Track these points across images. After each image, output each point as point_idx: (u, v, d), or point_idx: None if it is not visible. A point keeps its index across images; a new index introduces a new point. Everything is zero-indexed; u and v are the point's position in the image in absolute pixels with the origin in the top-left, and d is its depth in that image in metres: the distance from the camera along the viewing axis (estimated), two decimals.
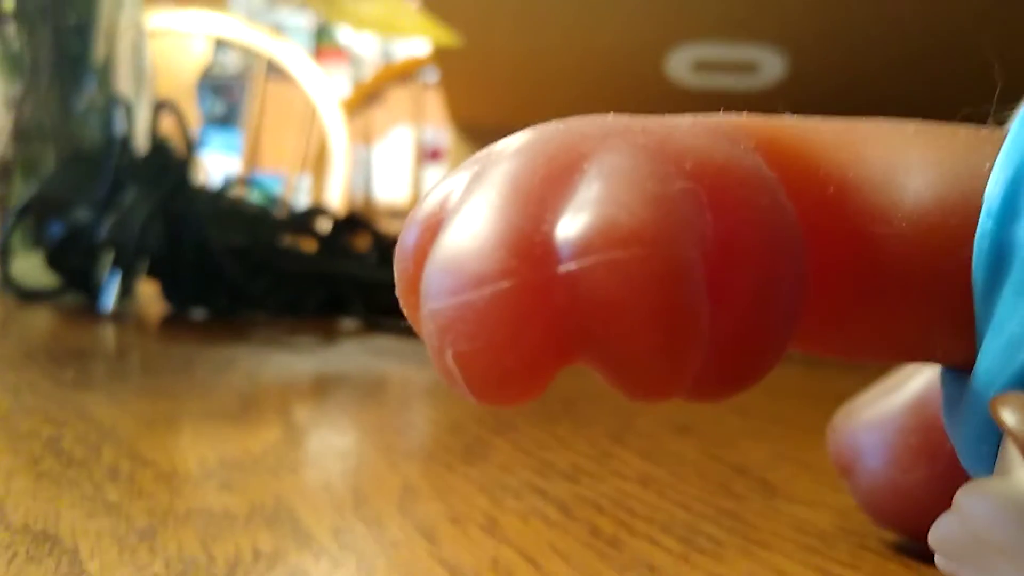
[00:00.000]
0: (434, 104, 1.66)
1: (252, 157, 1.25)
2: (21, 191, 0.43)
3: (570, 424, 0.27)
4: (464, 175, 0.11)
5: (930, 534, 0.11)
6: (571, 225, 0.10)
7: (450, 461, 0.22)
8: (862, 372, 0.19)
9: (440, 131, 2.50)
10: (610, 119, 0.11)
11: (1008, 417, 0.09)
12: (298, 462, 0.22)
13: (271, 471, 0.21)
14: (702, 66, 0.59)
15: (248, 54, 1.29)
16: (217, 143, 2.92)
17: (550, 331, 0.10)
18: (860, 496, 0.17)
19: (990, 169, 0.11)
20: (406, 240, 0.11)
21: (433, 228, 0.11)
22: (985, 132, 0.12)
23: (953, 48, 0.56)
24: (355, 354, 0.39)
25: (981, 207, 0.11)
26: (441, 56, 0.64)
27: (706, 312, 0.10)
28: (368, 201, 1.29)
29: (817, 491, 0.21)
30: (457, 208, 0.10)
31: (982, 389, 0.11)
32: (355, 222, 0.51)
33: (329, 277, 0.46)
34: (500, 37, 0.60)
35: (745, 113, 0.13)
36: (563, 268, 0.10)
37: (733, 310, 0.11)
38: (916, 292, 0.12)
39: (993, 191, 0.11)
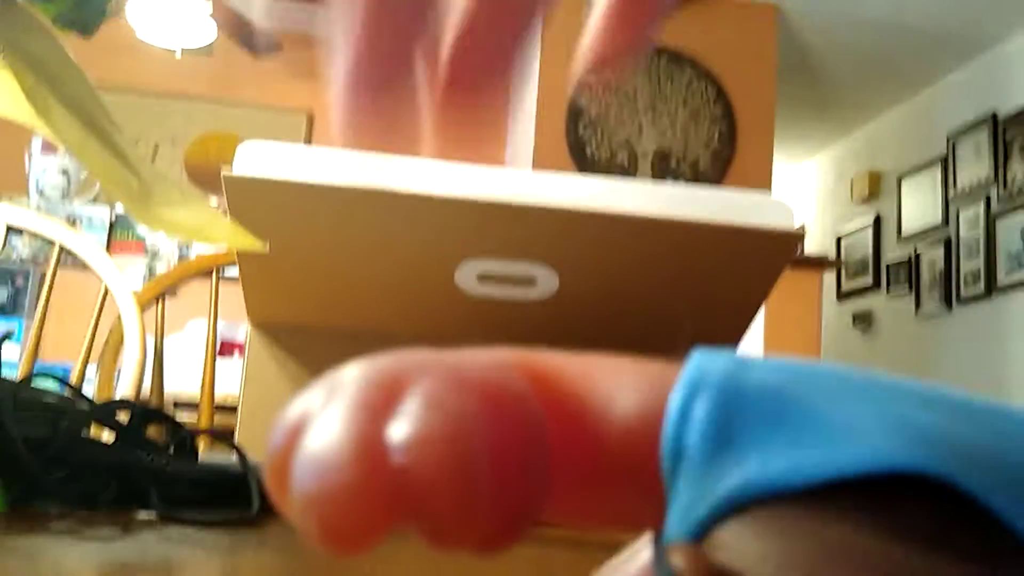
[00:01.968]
0: (229, 299, 1.67)
1: (36, 347, 1.21)
2: None
3: None
4: (319, 393, 0.16)
5: None
6: (398, 432, 0.15)
7: None
8: (616, 549, 0.24)
9: (233, 325, 2.48)
10: (424, 355, 0.16)
11: (674, 559, 0.14)
12: None
13: None
14: (485, 278, 0.66)
15: (38, 243, 1.27)
16: None
17: (385, 503, 0.14)
18: None
19: (671, 393, 0.16)
20: (275, 440, 0.16)
21: (297, 431, 0.15)
22: (671, 367, 0.17)
23: (687, 284, 0.66)
24: (152, 544, 0.40)
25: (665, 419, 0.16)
26: (243, 260, 0.67)
27: (488, 490, 0.15)
28: (159, 393, 1.26)
29: None
30: (316, 417, 0.15)
31: (669, 543, 0.16)
32: (153, 414, 0.53)
33: (127, 468, 0.47)
34: (304, 245, 0.65)
35: (516, 349, 0.18)
36: (393, 461, 0.14)
37: (505, 488, 0.15)
38: (629, 479, 0.16)
39: (672, 408, 0.16)
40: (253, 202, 0.61)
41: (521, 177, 0.65)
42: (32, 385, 0.48)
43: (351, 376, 0.16)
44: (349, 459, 0.14)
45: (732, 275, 0.65)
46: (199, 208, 0.54)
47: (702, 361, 0.17)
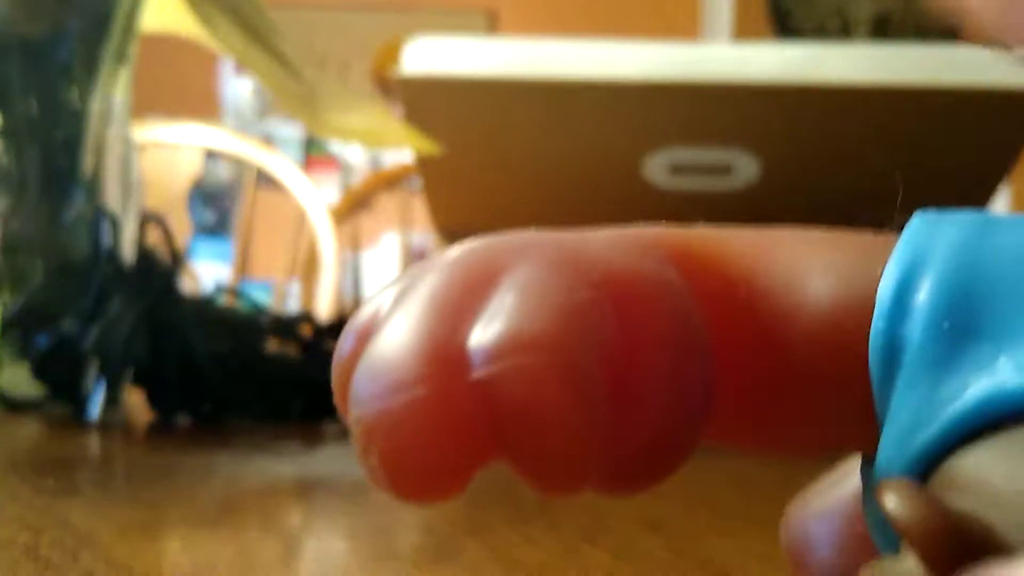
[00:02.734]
0: (421, 209, 1.69)
1: (242, 265, 1.27)
2: (9, 303, 0.44)
3: (542, 523, 0.27)
4: (395, 289, 0.12)
5: None
6: (482, 334, 0.11)
7: (419, 562, 0.23)
8: (828, 466, 0.20)
9: (427, 236, 2.54)
10: (530, 235, 0.12)
11: (888, 503, 0.10)
12: (270, 565, 0.22)
13: (241, 574, 0.21)
14: (678, 169, 0.61)
15: (238, 164, 1.32)
16: (208, 252, 2.96)
17: (464, 432, 0.11)
18: None
19: (882, 272, 0.12)
20: (342, 348, 0.12)
21: (364, 338, 0.12)
22: (881, 238, 0.13)
23: (912, 162, 0.59)
24: (337, 458, 0.40)
25: (874, 307, 0.12)
26: (423, 164, 0.65)
27: (605, 412, 0.11)
28: (357, 305, 1.30)
29: None
30: (384, 320, 0.11)
31: (882, 476, 0.11)
32: (338, 327, 0.52)
33: (312, 382, 0.47)
34: (479, 144, 0.62)
35: (665, 224, 0.13)
36: (474, 374, 0.11)
37: (639, 409, 0.11)
38: (821, 387, 0.12)
39: (884, 292, 0.12)
40: (426, 101, 0.58)
41: (713, 52, 0.59)
42: (216, 303, 0.48)
43: (431, 265, 0.12)
44: (418, 373, 0.11)
45: (966, 148, 0.57)
46: (370, 112, 0.52)
47: (924, 226, 0.12)
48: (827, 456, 0.17)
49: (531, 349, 0.10)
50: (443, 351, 0.11)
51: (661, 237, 0.13)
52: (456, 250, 0.12)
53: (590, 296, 0.11)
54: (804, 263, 0.12)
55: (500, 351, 0.10)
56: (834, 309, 0.12)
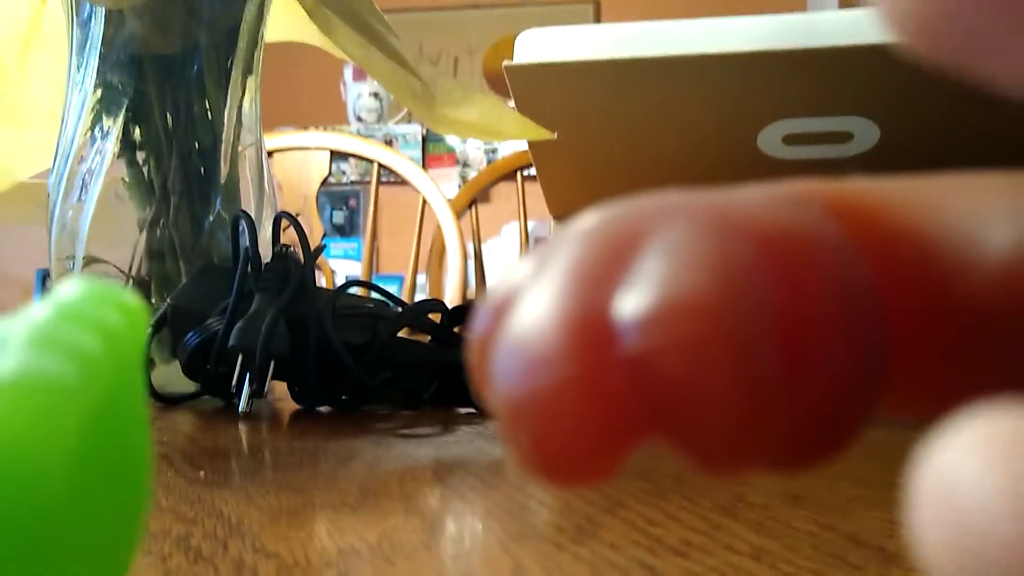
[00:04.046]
0: (540, 198, 1.70)
1: (371, 261, 1.31)
2: (157, 305, 0.46)
3: (679, 499, 0.27)
4: (531, 262, 0.11)
5: None
6: (633, 303, 0.10)
7: (560, 541, 0.23)
8: None
9: (544, 223, 2.55)
10: (670, 195, 0.11)
11: None
12: (413, 548, 0.23)
13: (386, 558, 0.21)
14: (794, 139, 0.59)
15: (364, 166, 1.36)
16: (340, 251, 3.08)
17: (617, 413, 0.10)
18: None
19: None
20: (477, 326, 0.11)
21: (501, 314, 0.11)
22: None
23: None
24: (472, 440, 0.40)
25: None
26: (537, 152, 0.66)
27: (779, 383, 0.10)
28: (483, 293, 1.32)
29: None
30: (522, 295, 0.11)
31: None
32: (466, 312, 0.53)
33: (444, 368, 0.48)
34: (591, 128, 0.62)
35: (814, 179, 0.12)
36: (628, 349, 0.10)
37: (810, 378, 0.10)
38: (1009, 346, 0.11)
39: None
40: (537, 89, 0.58)
41: (824, 19, 0.57)
42: (350, 296, 0.50)
43: (568, 234, 0.11)
44: (564, 349, 0.10)
45: None
46: (483, 105, 0.53)
47: None
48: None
49: (690, 318, 0.09)
50: (590, 325, 0.10)
51: (816, 189, 0.12)
52: (591, 216, 0.11)
53: (750, 255, 0.10)
54: (982, 206, 0.11)
55: (655, 321, 0.09)
56: (1021, 256, 0.10)
